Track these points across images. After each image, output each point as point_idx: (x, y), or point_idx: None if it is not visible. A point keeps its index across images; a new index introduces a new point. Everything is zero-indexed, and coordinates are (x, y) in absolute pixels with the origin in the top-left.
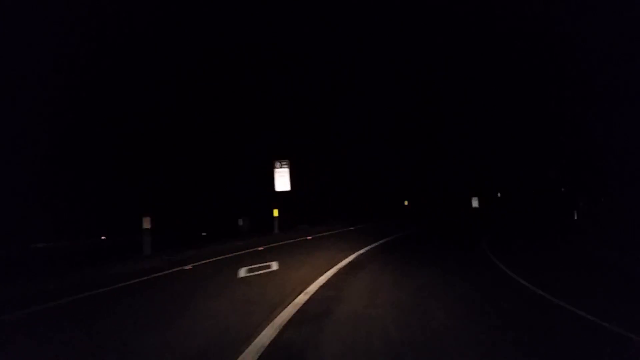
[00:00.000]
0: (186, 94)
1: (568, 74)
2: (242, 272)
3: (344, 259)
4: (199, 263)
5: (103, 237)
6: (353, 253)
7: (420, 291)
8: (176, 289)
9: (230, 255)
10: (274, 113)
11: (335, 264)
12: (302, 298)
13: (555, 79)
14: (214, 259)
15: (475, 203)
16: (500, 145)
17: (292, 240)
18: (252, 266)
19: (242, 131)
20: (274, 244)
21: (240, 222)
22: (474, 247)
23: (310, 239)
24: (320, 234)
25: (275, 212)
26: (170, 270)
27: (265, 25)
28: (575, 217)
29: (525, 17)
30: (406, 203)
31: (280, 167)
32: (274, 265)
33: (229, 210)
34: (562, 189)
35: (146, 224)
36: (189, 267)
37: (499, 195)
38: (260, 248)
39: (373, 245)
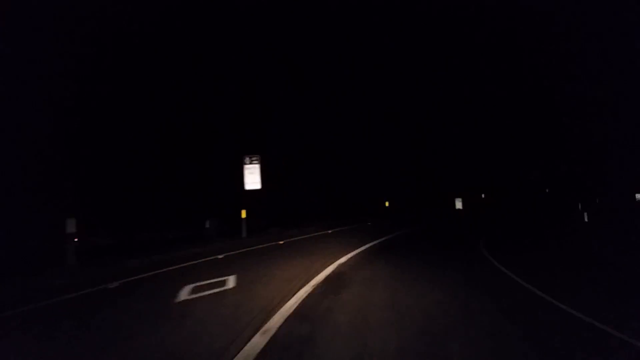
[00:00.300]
0: (152, 87)
1: (554, 76)
2: (184, 293)
3: (322, 270)
4: (134, 278)
5: (76, 240)
6: (333, 262)
7: (428, 324)
8: (65, 325)
9: (181, 266)
10: (245, 105)
11: (310, 279)
12: (257, 342)
13: (540, 82)
14: (157, 271)
15: (459, 204)
16: (483, 146)
17: (260, 246)
18: (202, 283)
19: (211, 124)
20: (239, 251)
21: (208, 224)
22: (474, 254)
23: (282, 244)
24: (294, 238)
25: (243, 214)
26: (86, 291)
27: (240, 16)
28: (586, 219)
29: (512, 21)
30: (387, 204)
31: (250, 163)
32: (231, 281)
33: (196, 211)
34: (547, 190)
35: (70, 227)
36: (115, 284)
37: (483, 196)
38: (220, 256)
39: (356, 252)
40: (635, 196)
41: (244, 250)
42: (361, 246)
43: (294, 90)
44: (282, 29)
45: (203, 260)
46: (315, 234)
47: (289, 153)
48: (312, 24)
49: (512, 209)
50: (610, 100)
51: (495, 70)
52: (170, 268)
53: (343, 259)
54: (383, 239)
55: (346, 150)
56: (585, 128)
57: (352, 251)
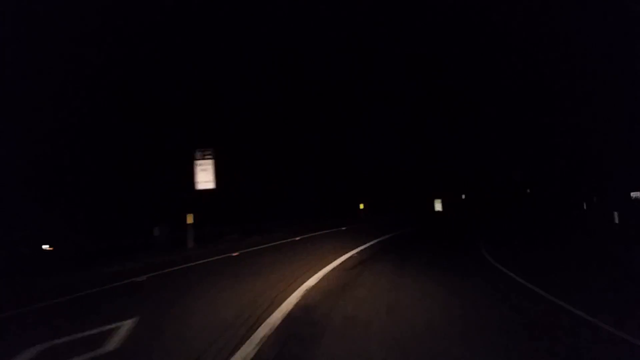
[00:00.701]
0: (98, 77)
1: (540, 72)
2: None
3: (281, 303)
4: None
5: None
6: (298, 287)
7: None
8: None
9: (70, 297)
10: (198, 92)
11: (258, 324)
12: None
13: (520, 81)
14: (24, 308)
15: (438, 206)
16: (461, 145)
17: (206, 260)
18: (68, 338)
19: (163, 114)
20: (174, 268)
21: (157, 231)
22: (489, 275)
23: (235, 257)
24: (253, 248)
25: (189, 219)
26: None
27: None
28: (617, 221)
29: (493, 20)
30: (362, 207)
31: (203, 158)
32: (120, 335)
33: (146, 216)
34: (528, 190)
35: None
36: None
37: (463, 197)
38: (140, 279)
39: (331, 268)
40: (630, 194)
41: (182, 267)
42: (337, 258)
43: (260, 80)
44: (244, 11)
45: (114, 285)
46: (281, 242)
47: (254, 150)
48: (278, 10)
49: (499, 210)
50: (602, 97)
51: (475, 67)
52: (49, 303)
53: (313, 280)
54: (363, 247)
55: (317, 150)
56: (578, 125)
57: (325, 266)
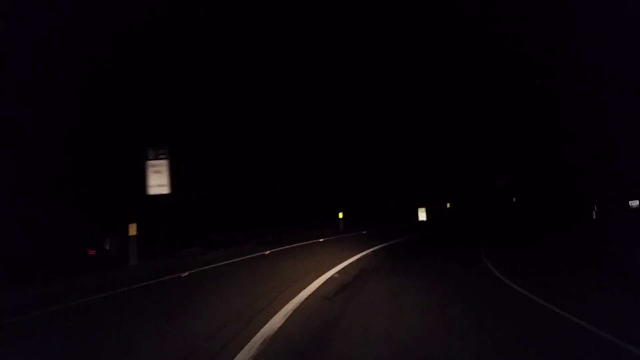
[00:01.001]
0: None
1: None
2: None
3: None
4: None
5: None
6: (254, 333)
7: None
8: None
9: None
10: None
11: None
12: None
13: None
14: None
15: (422, 215)
16: (446, 152)
17: (144, 283)
18: None
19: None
20: (97, 296)
21: (107, 244)
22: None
23: (184, 278)
24: (209, 266)
25: (132, 229)
26: None
27: None
28: None
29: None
30: (341, 215)
31: (156, 159)
32: None
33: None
34: (514, 199)
35: None
36: None
37: (448, 205)
38: (35, 313)
39: (305, 296)
40: (628, 203)
41: (107, 295)
42: (313, 280)
43: (227, 77)
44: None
45: None
46: (247, 257)
47: (221, 151)
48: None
49: (490, 219)
50: (599, 100)
51: (461, 72)
52: None
53: (277, 320)
54: (345, 264)
55: (294, 155)
56: (574, 131)
57: (297, 294)
